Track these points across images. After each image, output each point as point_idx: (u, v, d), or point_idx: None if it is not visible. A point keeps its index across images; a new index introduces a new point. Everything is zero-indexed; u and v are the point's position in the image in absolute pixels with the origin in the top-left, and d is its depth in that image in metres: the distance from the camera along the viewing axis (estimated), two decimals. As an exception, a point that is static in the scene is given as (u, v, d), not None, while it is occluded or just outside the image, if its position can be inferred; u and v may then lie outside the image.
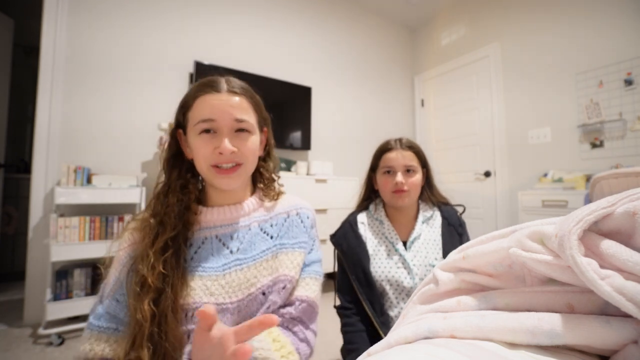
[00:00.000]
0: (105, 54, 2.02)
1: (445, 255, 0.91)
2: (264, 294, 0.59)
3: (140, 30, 2.14)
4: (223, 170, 0.57)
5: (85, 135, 1.94)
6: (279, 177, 0.73)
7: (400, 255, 0.92)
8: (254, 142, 0.61)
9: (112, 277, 0.56)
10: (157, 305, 0.51)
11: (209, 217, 0.61)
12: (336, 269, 1.02)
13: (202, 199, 0.64)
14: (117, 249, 0.58)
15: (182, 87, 2.28)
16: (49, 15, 1.86)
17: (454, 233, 0.97)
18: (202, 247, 0.59)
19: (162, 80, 2.20)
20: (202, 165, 0.58)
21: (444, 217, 1.00)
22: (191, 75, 2.27)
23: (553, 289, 0.23)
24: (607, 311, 0.20)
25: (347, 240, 0.97)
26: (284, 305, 0.62)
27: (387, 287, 0.89)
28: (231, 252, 0.60)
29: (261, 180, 0.70)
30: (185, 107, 0.61)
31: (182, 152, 0.63)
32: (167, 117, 2.16)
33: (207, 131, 0.57)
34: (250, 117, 0.61)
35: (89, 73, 1.97)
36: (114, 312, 0.54)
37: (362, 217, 1.02)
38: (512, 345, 0.22)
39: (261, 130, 0.66)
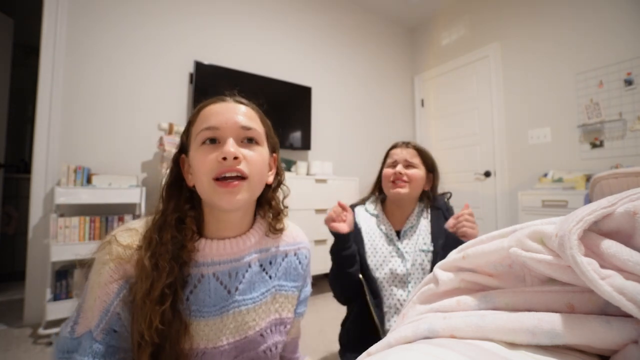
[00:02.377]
0: (105, 54, 2.02)
1: (434, 238, 0.98)
2: (262, 335, 0.58)
3: (141, 30, 2.14)
4: (225, 182, 0.49)
5: (85, 135, 1.94)
6: (287, 208, 0.65)
7: (395, 245, 0.98)
8: (263, 154, 0.55)
9: (99, 311, 0.48)
10: (156, 358, 0.48)
11: (207, 251, 0.54)
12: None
13: (200, 228, 0.56)
14: (104, 279, 0.49)
15: (182, 87, 2.28)
16: (49, 15, 1.86)
17: (441, 216, 1.02)
18: (198, 286, 0.53)
19: (163, 80, 2.20)
20: (204, 180, 0.50)
21: (431, 205, 1.06)
22: (191, 75, 2.27)
23: (553, 289, 0.23)
24: (608, 311, 0.20)
25: None
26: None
27: (382, 275, 0.95)
28: (229, 292, 0.55)
29: (270, 212, 0.61)
30: (189, 124, 0.56)
31: (183, 180, 0.57)
32: (167, 117, 2.16)
33: (210, 142, 0.51)
34: (258, 126, 0.55)
35: (89, 73, 1.97)
36: (116, 342, 0.49)
37: (358, 209, 1.09)
38: (512, 345, 0.22)
39: (270, 154, 0.60)
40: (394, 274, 0.94)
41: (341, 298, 1.01)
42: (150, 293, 0.47)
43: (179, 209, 0.54)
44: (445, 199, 1.08)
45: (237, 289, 0.55)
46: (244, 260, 0.57)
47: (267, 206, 0.62)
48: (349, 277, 0.93)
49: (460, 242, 0.88)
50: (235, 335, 0.55)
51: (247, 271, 0.57)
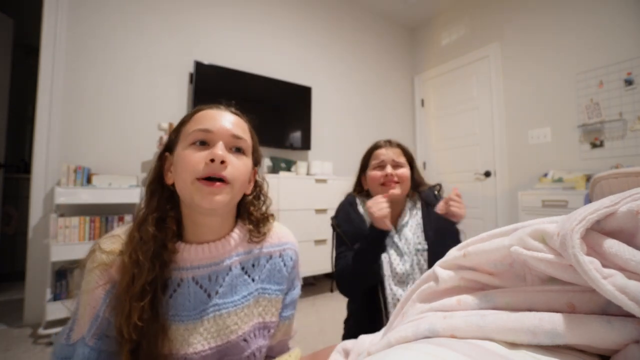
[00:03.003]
0: (105, 54, 2.02)
1: (427, 236, 0.97)
2: (245, 340, 0.57)
3: (141, 30, 2.14)
4: (208, 182, 0.50)
5: (85, 135, 1.94)
6: (273, 218, 0.66)
7: (394, 242, 0.97)
8: (247, 164, 0.56)
9: (89, 317, 0.50)
10: (136, 356, 0.48)
11: (186, 255, 0.54)
12: (335, 262, 1.02)
13: (179, 233, 0.57)
14: (91, 286, 0.51)
15: (182, 87, 2.28)
16: (49, 15, 1.86)
17: (432, 212, 1.01)
18: (177, 290, 0.53)
19: (162, 80, 2.20)
20: (187, 179, 0.50)
21: (422, 200, 1.05)
22: (191, 75, 2.27)
23: (554, 288, 0.23)
24: (609, 311, 0.20)
25: (351, 222, 1.00)
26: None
27: (387, 273, 0.93)
28: (209, 296, 0.55)
29: (249, 220, 0.62)
30: (181, 124, 0.57)
31: (163, 178, 0.57)
32: (167, 117, 2.16)
33: (201, 143, 0.52)
34: (247, 138, 0.57)
35: (89, 73, 1.97)
36: (108, 347, 0.50)
37: (359, 200, 1.06)
38: (513, 345, 0.22)
39: (252, 167, 0.61)
40: (394, 271, 0.93)
41: (351, 293, 0.99)
42: (130, 288, 0.48)
43: (160, 208, 0.55)
44: (435, 192, 1.07)
45: (217, 292, 0.55)
46: (224, 264, 0.57)
47: (247, 214, 0.62)
48: (372, 275, 0.92)
49: (451, 224, 0.89)
50: (217, 340, 0.55)
51: (227, 274, 0.57)
